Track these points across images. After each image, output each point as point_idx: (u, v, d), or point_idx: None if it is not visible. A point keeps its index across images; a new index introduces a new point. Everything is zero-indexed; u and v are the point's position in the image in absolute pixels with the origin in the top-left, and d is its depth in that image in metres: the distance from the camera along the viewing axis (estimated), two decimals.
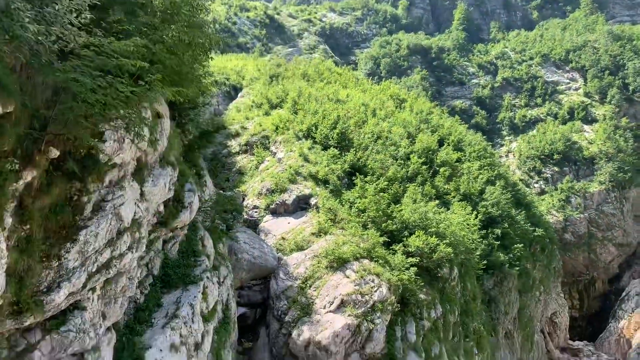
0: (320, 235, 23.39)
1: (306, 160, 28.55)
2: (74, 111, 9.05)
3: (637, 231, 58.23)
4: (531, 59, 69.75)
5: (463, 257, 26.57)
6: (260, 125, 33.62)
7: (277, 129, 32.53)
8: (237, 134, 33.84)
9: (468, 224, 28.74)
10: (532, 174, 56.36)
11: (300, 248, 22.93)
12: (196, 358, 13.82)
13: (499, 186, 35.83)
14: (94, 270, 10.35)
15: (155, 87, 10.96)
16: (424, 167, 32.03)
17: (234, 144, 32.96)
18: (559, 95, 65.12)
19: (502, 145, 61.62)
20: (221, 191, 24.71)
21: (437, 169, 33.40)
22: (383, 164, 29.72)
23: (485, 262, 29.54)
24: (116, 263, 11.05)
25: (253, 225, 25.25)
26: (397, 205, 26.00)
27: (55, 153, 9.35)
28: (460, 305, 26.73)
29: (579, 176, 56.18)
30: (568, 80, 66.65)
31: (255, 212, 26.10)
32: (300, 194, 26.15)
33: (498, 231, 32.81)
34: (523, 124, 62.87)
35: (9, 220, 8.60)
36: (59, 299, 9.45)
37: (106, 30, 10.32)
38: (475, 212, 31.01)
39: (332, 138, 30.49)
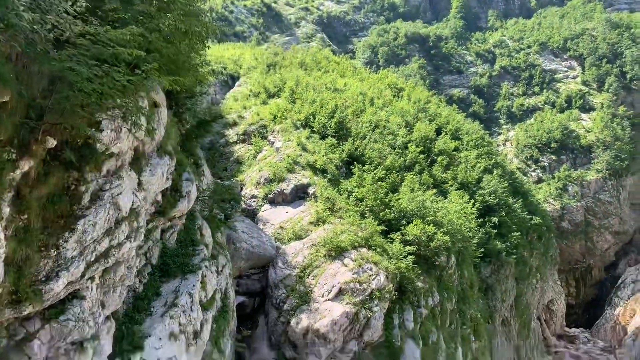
0: (319, 225, 23.45)
1: (304, 149, 28.54)
2: (70, 100, 9.01)
3: (634, 219, 58.52)
4: (529, 47, 69.55)
5: (460, 245, 26.69)
6: (258, 115, 33.54)
7: (274, 118, 32.46)
8: (235, 124, 33.76)
9: (465, 213, 28.84)
10: (529, 162, 56.46)
11: (298, 237, 23.00)
12: (195, 346, 13.90)
13: (496, 175, 35.90)
14: (92, 259, 10.37)
15: (152, 76, 10.92)
16: (422, 156, 32.05)
17: (232, 134, 32.89)
18: (557, 83, 65.05)
19: (499, 134, 61.64)
20: (219, 181, 24.71)
21: (435, 157, 33.43)
22: (381, 153, 29.73)
23: (482, 250, 29.69)
24: (115, 252, 11.07)
25: (251, 214, 25.28)
26: (394, 194, 26.05)
27: (52, 142, 9.33)
28: (457, 293, 26.89)
29: (576, 164, 56.30)
30: (566, 69, 66.55)
31: (254, 201, 26.13)
32: (298, 183, 26.16)
33: (495, 219, 32.92)
34: (521, 112, 62.84)
35: (6, 210, 8.60)
36: (58, 288, 9.47)
37: (102, 19, 10.26)
38: (472, 201, 31.11)
39: (330, 127, 30.46)
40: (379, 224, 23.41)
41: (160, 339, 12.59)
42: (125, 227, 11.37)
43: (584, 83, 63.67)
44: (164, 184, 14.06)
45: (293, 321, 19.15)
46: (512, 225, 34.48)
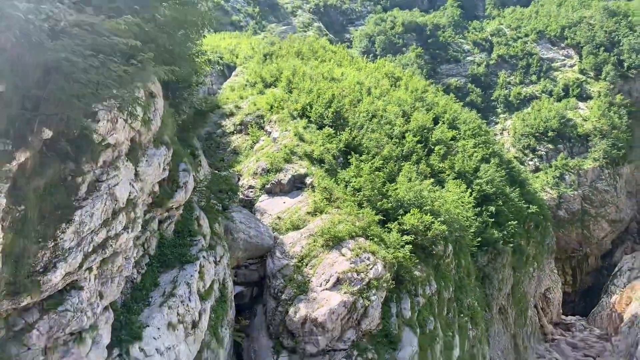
0: (316, 215, 23.49)
1: (301, 139, 28.50)
2: (66, 91, 8.98)
3: (630, 207, 58.72)
4: (526, 35, 69.26)
5: (457, 234, 26.78)
6: (255, 105, 33.43)
7: (271, 108, 32.36)
8: (232, 114, 33.64)
9: (462, 202, 28.90)
10: (526, 151, 56.47)
11: (296, 227, 23.04)
12: (194, 336, 13.98)
13: (493, 164, 35.93)
14: (90, 250, 10.39)
15: (148, 66, 10.87)
16: (419, 145, 32.03)
17: (229, 124, 32.78)
18: (554, 72, 64.87)
19: (496, 123, 61.56)
20: (216, 171, 24.67)
21: (432, 147, 33.42)
22: (378, 143, 29.71)
23: (479, 239, 29.79)
24: (112, 243, 11.10)
25: (249, 205, 25.30)
26: (392, 184, 26.07)
27: (48, 134, 9.32)
28: (454, 281, 27.03)
29: (573, 153, 56.34)
30: (563, 57, 66.36)
31: (251, 191, 26.13)
32: (295, 173, 26.15)
33: (492, 208, 32.99)
34: (518, 101, 62.71)
35: (3, 201, 8.60)
36: (56, 279, 9.50)
37: (97, 9, 10.19)
38: (469, 190, 31.15)
39: (327, 117, 30.39)
40: (376, 214, 23.45)
41: (158, 328, 12.66)
42: (123, 218, 11.39)
43: (581, 71, 63.53)
44: (161, 175, 14.06)
45: (291, 311, 19.24)
46: (509, 214, 34.58)
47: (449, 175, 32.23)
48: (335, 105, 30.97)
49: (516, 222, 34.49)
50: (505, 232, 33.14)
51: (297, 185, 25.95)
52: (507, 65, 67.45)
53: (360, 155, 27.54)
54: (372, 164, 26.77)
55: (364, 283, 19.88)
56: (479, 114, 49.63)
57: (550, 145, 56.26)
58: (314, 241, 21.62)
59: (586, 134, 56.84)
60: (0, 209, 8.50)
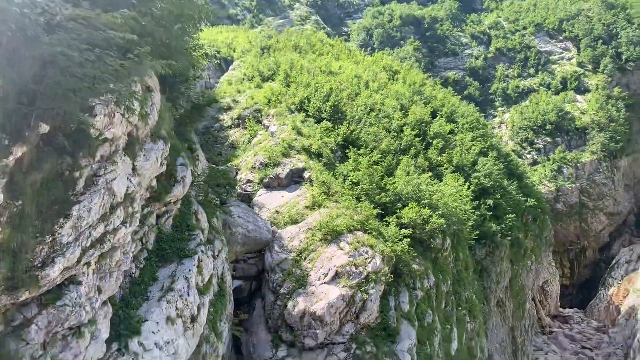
0: (314, 209, 23.50)
1: (299, 133, 28.46)
2: (62, 85, 8.94)
3: (628, 200, 58.87)
4: (524, 28, 69.13)
5: (455, 227, 26.83)
6: (252, 99, 33.36)
7: (269, 102, 32.30)
8: (229, 108, 33.57)
9: (460, 195, 28.93)
10: (524, 144, 56.49)
11: (294, 221, 23.05)
12: (192, 330, 14.01)
13: (491, 157, 35.95)
14: (88, 245, 10.38)
15: (145, 60, 10.83)
16: (417, 139, 32.01)
17: (226, 118, 32.73)
18: (552, 65, 64.82)
19: (494, 116, 61.55)
20: (214, 165, 24.66)
21: (430, 140, 33.41)
22: (376, 137, 29.70)
23: (477, 232, 29.84)
24: (110, 238, 11.09)
25: (247, 199, 25.29)
26: (390, 178, 26.09)
27: (44, 128, 9.28)
28: (452, 275, 27.10)
29: (571, 146, 56.38)
30: (561, 50, 66.29)
31: (249, 186, 26.12)
32: (293, 167, 26.13)
33: (490, 202, 33.04)
34: (516, 94, 62.68)
35: (0, 196, 8.58)
36: (54, 273, 9.50)
37: (93, 2, 10.14)
38: (467, 183, 31.18)
39: (325, 111, 30.35)
40: (374, 208, 23.47)
41: (157, 323, 12.68)
42: (120, 213, 11.38)
43: (579, 64, 63.50)
44: (159, 169, 14.04)
45: (290, 304, 19.28)
46: (507, 208, 34.63)
47: (447, 168, 32.24)
48: (333, 99, 30.93)
49: (514, 215, 34.55)
50: (503, 225, 33.20)
51: (295, 179, 25.94)
52: (505, 58, 67.37)
53: (358, 149, 27.53)
54: (370, 157, 26.77)
55: (362, 277, 19.92)
56: (477, 107, 49.63)
57: (548, 139, 56.28)
58: (312, 235, 21.64)
59: (584, 127, 56.85)
60: None
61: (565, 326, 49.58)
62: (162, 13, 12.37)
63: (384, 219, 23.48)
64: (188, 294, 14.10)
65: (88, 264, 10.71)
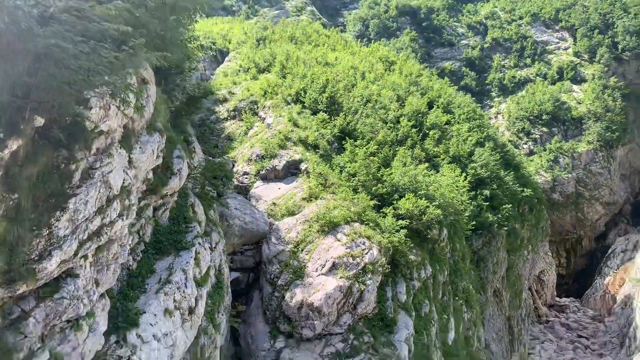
0: (311, 200, 23.52)
1: (295, 125, 28.42)
2: (57, 78, 8.89)
3: (624, 190, 59.07)
4: (521, 18, 68.93)
5: (452, 218, 26.89)
6: (248, 90, 33.26)
7: (265, 93, 32.21)
8: (225, 100, 33.47)
9: (457, 186, 28.98)
10: (521, 134, 56.53)
11: (291, 213, 23.08)
12: (190, 322, 14.05)
13: (488, 148, 35.99)
14: (85, 237, 10.38)
15: (140, 52, 10.77)
16: (414, 130, 32.01)
17: (222, 110, 32.64)
18: (548, 55, 64.72)
19: (491, 107, 61.51)
20: (210, 157, 24.63)
21: (427, 131, 33.41)
22: (373, 128, 29.67)
23: (474, 222, 29.93)
24: (107, 230, 11.09)
25: (244, 191, 25.29)
26: (387, 169, 26.10)
27: (40, 121, 9.24)
28: (449, 265, 27.21)
29: (568, 136, 56.45)
30: (557, 40, 66.17)
31: (246, 178, 26.11)
32: (290, 159, 26.12)
33: (487, 192, 33.12)
34: (512, 84, 62.62)
35: None
36: (51, 266, 9.50)
37: None
38: (464, 174, 31.23)
39: (321, 102, 30.29)
40: (371, 199, 23.50)
41: (155, 315, 12.72)
42: (117, 205, 11.37)
43: (576, 54, 63.42)
44: (155, 162, 14.02)
45: (287, 296, 19.35)
46: (504, 198, 34.73)
47: (443, 159, 32.27)
48: (329, 90, 30.86)
49: (510, 205, 34.66)
50: (499, 216, 33.31)
51: (292, 171, 25.93)
52: (502, 49, 67.20)
53: (355, 141, 27.52)
54: (366, 149, 26.76)
55: (359, 267, 19.98)
56: (473, 98, 49.58)
57: (544, 129, 56.32)
58: (309, 227, 21.68)
59: (580, 117, 56.89)
60: None
61: (561, 315, 49.90)
62: (157, 4, 12.28)
63: (381, 210, 23.51)
64: (186, 286, 14.13)
65: (85, 256, 10.71)
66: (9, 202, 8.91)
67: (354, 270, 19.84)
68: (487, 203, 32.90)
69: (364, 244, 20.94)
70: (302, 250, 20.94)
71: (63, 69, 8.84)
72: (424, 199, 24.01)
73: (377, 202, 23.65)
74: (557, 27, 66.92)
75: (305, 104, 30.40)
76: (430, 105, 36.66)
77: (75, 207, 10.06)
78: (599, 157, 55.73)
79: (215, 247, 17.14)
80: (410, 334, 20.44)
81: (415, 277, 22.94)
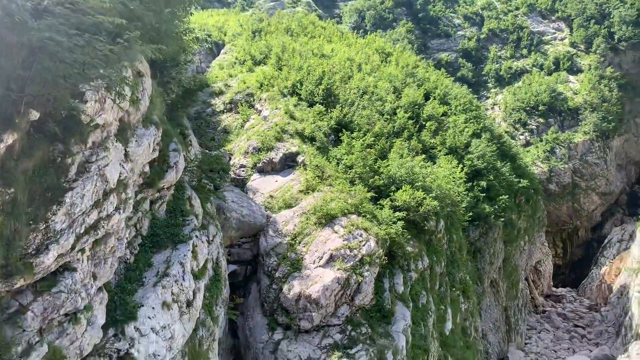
0: (308, 193, 23.53)
1: (292, 117, 28.38)
2: (51, 71, 8.85)
3: (620, 180, 59.26)
4: (517, 9, 68.75)
5: (449, 209, 26.97)
6: (244, 83, 33.16)
7: (261, 86, 32.12)
8: (221, 92, 33.38)
9: (454, 177, 29.04)
10: (517, 125, 56.56)
11: (288, 205, 23.09)
12: (188, 315, 14.08)
13: (484, 139, 36.03)
14: (82, 231, 10.37)
15: (135, 45, 10.72)
16: (410, 121, 32.00)
17: (218, 103, 32.56)
18: (545, 45, 64.64)
19: (487, 98, 61.50)
20: (207, 150, 24.59)
21: (424, 123, 33.41)
22: (369, 120, 29.65)
23: (470, 214, 30.02)
24: (104, 224, 11.08)
25: (241, 184, 25.29)
26: (383, 161, 26.12)
27: (35, 115, 9.21)
28: (446, 256, 27.31)
29: (564, 127, 56.53)
30: (554, 30, 66.08)
31: (243, 171, 26.09)
32: (287, 151, 26.10)
33: (483, 183, 33.20)
34: (509, 75, 62.57)
35: None
36: (48, 260, 9.50)
37: None
38: (461, 165, 31.28)
39: (318, 94, 30.23)
40: (368, 191, 23.53)
41: (153, 308, 12.74)
42: (114, 199, 11.36)
43: (572, 45, 63.36)
44: (151, 155, 13.99)
45: (285, 288, 19.40)
46: (500, 189, 34.82)
47: (440, 151, 32.31)
48: (325, 82, 30.79)
49: (507, 196, 34.75)
50: (496, 207, 33.42)
51: (289, 163, 25.93)
52: (498, 39, 67.09)
53: (352, 133, 27.50)
54: (363, 141, 26.76)
55: (357, 259, 20.03)
56: (470, 89, 49.55)
57: (541, 119, 56.37)
58: (306, 219, 21.70)
59: (576, 108, 56.94)
60: None
61: (558, 305, 50.19)
62: None
63: (378, 202, 23.55)
64: (183, 279, 14.15)
65: (82, 250, 10.71)
66: (5, 196, 8.89)
67: (352, 262, 19.89)
68: (484, 194, 32.99)
69: (361, 235, 20.99)
70: (299, 242, 20.97)
71: (58, 62, 8.79)
72: (420, 190, 24.05)
73: (374, 194, 23.69)
74: (553, 18, 66.81)
75: (301, 96, 30.34)
76: (426, 97, 36.64)
77: (72, 201, 10.04)
78: (595, 148, 55.86)
79: (212, 240, 17.16)
80: (408, 325, 20.55)
81: (413, 268, 23.01)
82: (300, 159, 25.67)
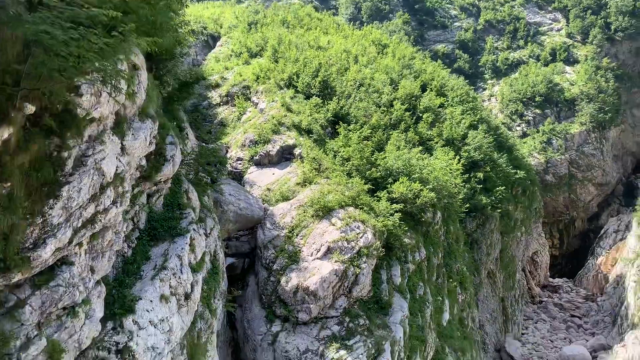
0: (306, 185, 23.55)
1: (289, 110, 28.33)
2: (46, 65, 8.79)
3: (616, 170, 59.47)
4: None
5: (446, 201, 27.04)
6: (241, 75, 33.07)
7: (257, 78, 32.04)
8: (217, 85, 33.29)
9: (451, 169, 29.11)
10: (514, 117, 56.65)
11: (285, 198, 23.11)
12: (187, 307, 14.12)
13: (481, 130, 36.09)
14: (79, 225, 10.36)
15: (130, 38, 10.66)
16: (407, 113, 32.01)
17: (215, 95, 32.48)
18: (541, 36, 64.65)
19: (484, 89, 61.54)
20: (204, 144, 24.54)
21: (420, 115, 33.43)
22: (366, 112, 29.65)
23: (467, 205, 30.13)
24: (101, 218, 11.07)
25: (238, 177, 25.28)
26: (380, 153, 26.15)
27: (30, 109, 9.16)
28: (443, 247, 27.42)
29: (560, 118, 56.64)
30: (550, 21, 66.04)
31: (240, 163, 26.07)
32: (284, 144, 26.09)
33: (480, 175, 33.30)
34: (505, 66, 62.60)
35: None
36: (46, 254, 9.49)
37: None
38: (458, 157, 31.36)
39: (314, 86, 30.18)
40: (365, 183, 23.56)
41: (151, 301, 12.76)
42: (111, 193, 11.34)
43: (569, 35, 63.38)
44: (148, 148, 13.94)
45: (283, 280, 19.45)
46: (497, 180, 34.94)
47: (437, 142, 32.35)
48: (322, 74, 30.73)
49: (504, 187, 34.88)
50: (493, 198, 33.55)
51: (286, 156, 25.92)
52: (495, 31, 67.05)
53: (349, 125, 27.50)
54: (360, 133, 26.76)
55: (354, 251, 20.10)
56: (466, 81, 49.64)
57: (537, 110, 56.45)
58: (304, 212, 21.73)
59: (573, 98, 57.05)
60: None
61: (554, 295, 50.49)
62: None
63: (375, 194, 23.60)
64: (181, 272, 14.17)
65: (80, 244, 10.71)
66: (2, 190, 8.87)
67: (349, 254, 19.95)
68: (481, 185, 33.10)
69: (358, 228, 21.04)
70: (297, 235, 21.01)
71: (53, 55, 8.73)
72: (417, 182, 24.10)
73: (371, 186, 23.73)
74: (549, 8, 66.77)
75: (298, 89, 30.28)
76: (423, 89, 36.64)
77: (69, 195, 10.03)
78: (591, 139, 56.01)
79: (210, 233, 17.16)
80: (405, 316, 20.66)
81: (410, 259, 23.10)
82: (297, 151, 25.66)
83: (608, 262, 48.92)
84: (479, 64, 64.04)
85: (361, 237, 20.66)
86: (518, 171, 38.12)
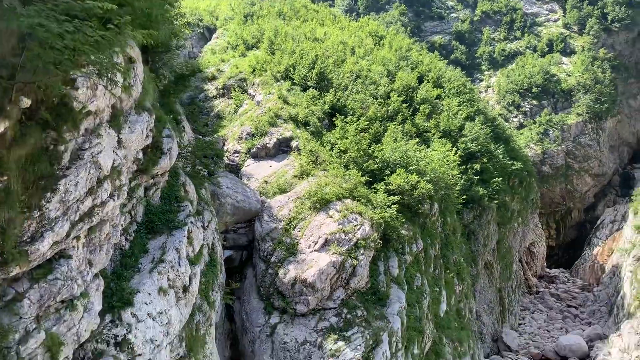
0: (303, 177, 23.56)
1: (285, 102, 28.27)
2: (42, 58, 8.75)
3: (612, 161, 59.61)
4: None
5: (443, 192, 27.09)
6: (237, 68, 32.94)
7: (254, 70, 31.92)
8: (214, 77, 33.15)
9: (448, 160, 29.13)
10: (511, 108, 56.65)
11: (283, 191, 23.12)
12: (185, 300, 14.16)
13: (478, 122, 36.09)
14: (76, 218, 10.37)
15: (126, 30, 10.62)
16: (404, 105, 31.97)
17: (211, 88, 32.36)
18: (538, 27, 64.53)
19: (481, 81, 61.47)
20: (200, 136, 24.48)
21: (417, 106, 33.39)
22: (363, 104, 29.60)
23: (464, 196, 30.19)
24: (98, 211, 11.07)
25: (235, 169, 25.27)
26: (378, 145, 26.14)
27: (26, 102, 9.13)
28: (440, 239, 27.50)
29: (557, 109, 56.65)
30: (547, 12, 65.90)
31: (237, 156, 26.05)
32: (281, 136, 26.06)
33: (477, 166, 33.34)
34: (502, 58, 62.50)
35: None
36: (44, 248, 9.50)
37: None
38: (455, 148, 31.36)
39: (311, 78, 30.07)
40: (362, 175, 23.57)
41: (149, 294, 12.80)
42: (108, 186, 11.34)
43: (565, 26, 63.27)
44: (144, 141, 13.93)
45: (281, 272, 19.52)
46: (494, 171, 34.99)
47: (434, 134, 32.35)
48: (318, 66, 30.63)
49: (501, 178, 34.95)
50: (490, 189, 33.61)
51: (283, 148, 25.90)
52: (491, 21, 66.87)
53: (346, 117, 27.46)
54: (357, 125, 26.73)
55: (352, 243, 20.15)
56: (463, 72, 49.52)
57: (534, 102, 56.45)
58: (301, 204, 21.76)
59: (570, 89, 57.05)
60: None
61: (551, 286, 50.76)
62: None
63: (373, 186, 23.62)
64: (179, 265, 14.20)
65: (77, 237, 10.72)
66: None
67: (347, 246, 20.01)
68: (478, 177, 33.14)
69: (355, 219, 21.08)
70: (294, 227, 21.05)
71: (48, 49, 8.69)
72: (415, 174, 24.13)
73: (368, 178, 23.74)
74: None
75: (294, 81, 30.18)
76: (420, 80, 36.58)
77: (66, 189, 10.02)
78: (588, 129, 56.08)
79: (207, 226, 17.19)
80: (403, 307, 20.76)
81: (407, 251, 23.18)
82: (294, 144, 25.64)
83: (604, 252, 49.16)
84: (476, 55, 63.92)
85: (358, 229, 20.71)
86: (515, 162, 38.16)
